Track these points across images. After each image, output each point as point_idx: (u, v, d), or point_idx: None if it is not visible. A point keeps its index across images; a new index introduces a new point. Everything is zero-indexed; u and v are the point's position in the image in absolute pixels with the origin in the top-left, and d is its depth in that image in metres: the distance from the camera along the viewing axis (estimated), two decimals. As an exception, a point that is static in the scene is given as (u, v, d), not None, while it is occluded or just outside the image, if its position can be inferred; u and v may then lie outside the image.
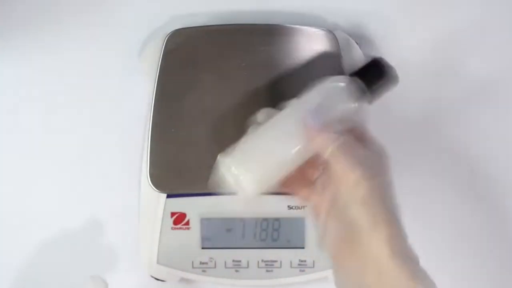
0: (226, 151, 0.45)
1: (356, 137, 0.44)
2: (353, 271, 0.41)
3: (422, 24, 0.59)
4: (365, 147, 0.44)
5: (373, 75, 0.47)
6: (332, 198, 0.43)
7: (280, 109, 0.46)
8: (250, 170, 0.44)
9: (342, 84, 0.46)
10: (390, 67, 0.47)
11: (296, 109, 0.45)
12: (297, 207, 0.55)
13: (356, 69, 0.47)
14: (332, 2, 0.58)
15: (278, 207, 0.56)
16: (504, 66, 0.59)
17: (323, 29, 0.55)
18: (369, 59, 0.48)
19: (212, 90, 0.54)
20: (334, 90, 0.46)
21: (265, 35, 0.54)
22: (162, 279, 0.57)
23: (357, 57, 0.56)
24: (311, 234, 0.56)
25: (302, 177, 0.46)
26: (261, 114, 0.47)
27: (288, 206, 0.56)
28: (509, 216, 0.60)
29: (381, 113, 0.58)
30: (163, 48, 0.54)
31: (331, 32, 0.54)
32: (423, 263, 0.41)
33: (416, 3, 0.58)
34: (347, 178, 0.41)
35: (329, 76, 0.47)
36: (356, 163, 0.41)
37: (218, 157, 0.45)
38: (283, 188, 0.47)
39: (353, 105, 0.45)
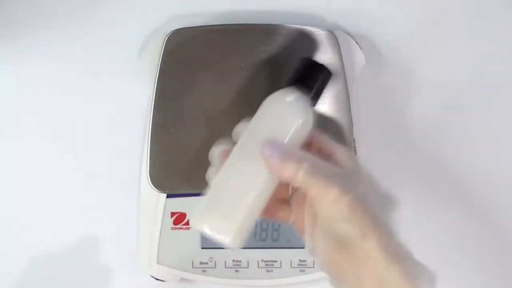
0: (195, 210, 0.43)
1: (318, 151, 0.43)
2: (351, 282, 0.41)
3: (422, 24, 0.59)
4: (332, 160, 0.43)
5: (311, 77, 0.45)
6: (313, 215, 0.42)
7: (234, 141, 0.44)
8: (224, 228, 0.42)
9: (289, 99, 0.44)
10: (321, 65, 0.45)
11: (251, 143, 0.43)
12: (297, 207, 0.55)
13: (291, 78, 0.45)
14: (332, 2, 0.58)
15: (278, 207, 0.56)
16: (502, 67, 0.59)
17: (323, 29, 0.54)
18: (299, 63, 0.46)
19: (212, 90, 0.54)
20: (280, 109, 0.44)
21: (265, 35, 0.54)
22: (162, 279, 0.57)
23: (357, 57, 0.56)
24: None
25: (276, 201, 0.45)
26: (235, 131, 0.45)
27: (288, 206, 0.56)
28: (495, 217, 0.60)
29: (380, 112, 0.59)
30: (163, 48, 0.54)
31: (331, 32, 0.54)
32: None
33: (416, 2, 0.58)
34: (326, 198, 0.40)
35: (271, 94, 0.45)
36: (330, 182, 0.40)
37: (191, 220, 0.43)
38: (262, 216, 0.44)
39: (304, 117, 0.43)
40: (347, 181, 0.41)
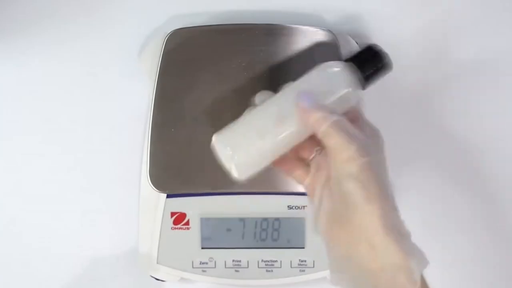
0: (221, 130, 0.45)
1: (350, 118, 0.45)
2: (345, 246, 0.42)
3: (422, 23, 0.59)
4: (359, 127, 0.45)
5: (368, 61, 0.47)
6: (326, 175, 0.44)
7: (277, 92, 0.47)
8: (243, 151, 0.44)
9: (337, 69, 0.46)
10: (384, 53, 0.47)
11: (291, 91, 0.45)
12: (297, 207, 0.56)
13: (352, 55, 0.48)
14: (332, 2, 0.58)
15: (278, 207, 0.56)
16: (505, 65, 0.59)
17: (323, 29, 0.55)
18: (364, 46, 0.48)
19: (212, 90, 0.54)
20: (329, 74, 0.46)
21: (265, 35, 0.54)
22: (162, 279, 0.57)
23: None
24: (311, 234, 0.56)
25: (297, 159, 0.47)
26: (258, 96, 0.47)
27: (288, 206, 0.56)
28: (500, 198, 0.60)
29: (380, 112, 0.59)
30: (163, 48, 0.54)
31: (331, 32, 0.54)
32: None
33: (416, 2, 0.58)
34: (342, 154, 0.41)
35: (325, 61, 0.47)
36: (350, 140, 0.42)
37: (213, 136, 0.45)
38: (278, 166, 0.47)
39: (347, 90, 0.45)
40: (367, 146, 0.42)
